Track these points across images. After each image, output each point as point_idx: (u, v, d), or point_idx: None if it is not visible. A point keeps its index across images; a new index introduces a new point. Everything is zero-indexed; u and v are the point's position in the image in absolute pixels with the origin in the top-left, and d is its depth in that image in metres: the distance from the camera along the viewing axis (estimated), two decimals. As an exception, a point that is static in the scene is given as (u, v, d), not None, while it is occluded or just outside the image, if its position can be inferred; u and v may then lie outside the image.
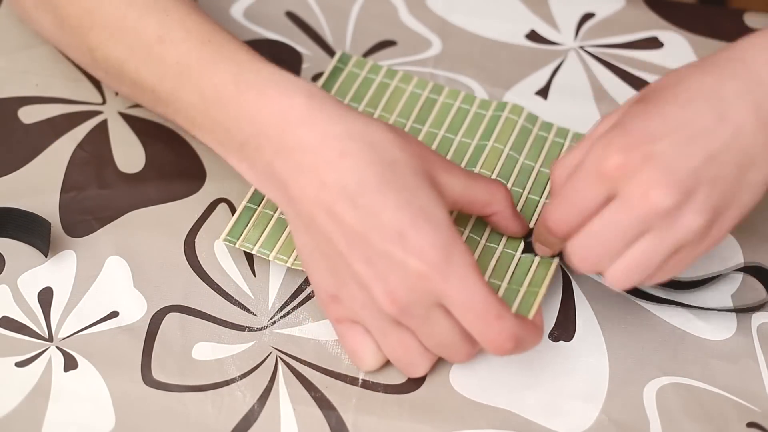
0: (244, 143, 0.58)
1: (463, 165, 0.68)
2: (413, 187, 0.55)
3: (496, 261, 0.63)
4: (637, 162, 0.53)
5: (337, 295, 0.58)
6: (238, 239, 0.64)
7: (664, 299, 0.64)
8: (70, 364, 0.61)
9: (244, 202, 0.65)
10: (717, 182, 0.53)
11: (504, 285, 0.62)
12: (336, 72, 0.72)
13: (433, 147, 0.69)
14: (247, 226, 0.65)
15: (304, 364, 0.62)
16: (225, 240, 0.64)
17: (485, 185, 0.61)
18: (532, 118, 0.70)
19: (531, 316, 0.60)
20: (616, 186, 0.53)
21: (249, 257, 0.66)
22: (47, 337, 0.62)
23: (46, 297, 0.64)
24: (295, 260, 0.63)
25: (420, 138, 0.69)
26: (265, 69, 0.59)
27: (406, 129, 0.70)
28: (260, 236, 0.64)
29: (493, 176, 0.67)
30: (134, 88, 0.64)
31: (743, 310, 0.64)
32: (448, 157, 0.68)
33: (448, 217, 0.55)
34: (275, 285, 0.65)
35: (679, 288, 0.64)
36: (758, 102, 0.54)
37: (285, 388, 0.61)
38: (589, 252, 0.55)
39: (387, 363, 0.61)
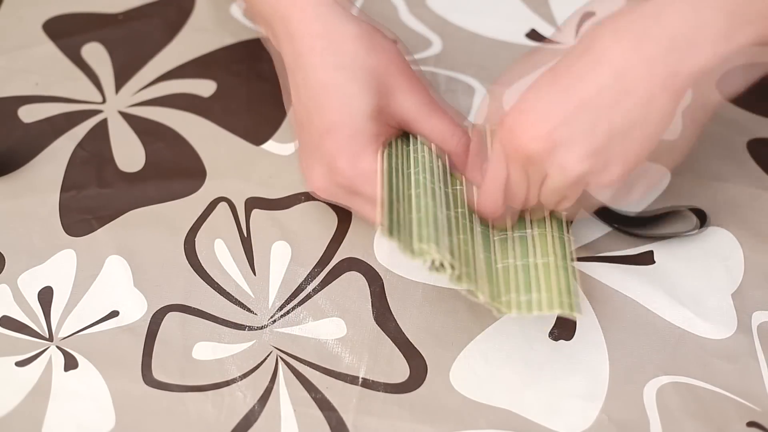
0: (263, 18, 0.67)
1: None
2: (350, 94, 0.62)
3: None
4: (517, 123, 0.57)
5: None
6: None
7: (634, 233, 0.67)
8: (71, 363, 0.61)
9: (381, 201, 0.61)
10: (598, 125, 0.56)
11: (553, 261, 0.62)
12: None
13: None
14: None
15: (305, 364, 0.62)
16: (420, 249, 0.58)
17: (437, 123, 0.64)
18: None
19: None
20: (508, 152, 0.58)
21: (249, 256, 0.66)
22: (47, 336, 0.62)
23: (46, 296, 0.64)
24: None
25: None
26: None
27: None
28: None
29: None
30: None
31: (678, 235, 0.66)
32: None
33: (372, 128, 0.62)
34: (275, 284, 0.65)
35: (634, 224, 0.67)
36: (635, 41, 0.55)
37: (285, 389, 0.61)
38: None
39: (385, 364, 0.61)
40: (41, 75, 0.74)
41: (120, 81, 0.74)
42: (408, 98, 0.63)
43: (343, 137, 0.62)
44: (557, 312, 0.58)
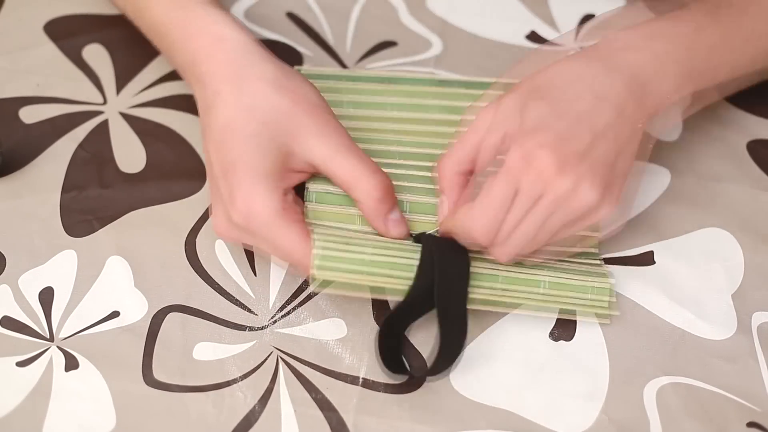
0: (177, 69, 0.68)
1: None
2: (250, 134, 0.60)
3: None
4: (534, 153, 0.58)
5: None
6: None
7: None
8: (71, 363, 0.61)
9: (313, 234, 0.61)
10: (602, 158, 0.59)
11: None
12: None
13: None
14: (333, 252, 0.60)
15: (305, 364, 0.62)
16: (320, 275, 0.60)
17: (350, 168, 0.61)
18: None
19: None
20: (520, 179, 0.58)
21: (250, 256, 0.66)
22: (48, 336, 0.62)
23: (46, 297, 0.64)
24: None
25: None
26: (194, 7, 0.65)
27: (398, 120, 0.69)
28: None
29: None
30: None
31: None
32: None
33: (270, 168, 0.60)
34: (276, 284, 0.65)
35: None
36: (626, 80, 0.60)
37: (286, 389, 0.61)
38: (512, 246, 0.59)
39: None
40: (42, 76, 0.74)
41: (121, 82, 0.74)
42: (316, 140, 0.61)
43: (240, 176, 0.60)
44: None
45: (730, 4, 0.64)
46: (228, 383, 0.61)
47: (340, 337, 0.63)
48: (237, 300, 0.64)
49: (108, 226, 0.67)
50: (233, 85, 0.62)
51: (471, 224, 0.59)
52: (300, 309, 0.64)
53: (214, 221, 0.62)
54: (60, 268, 0.65)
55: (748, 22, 0.64)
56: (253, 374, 0.61)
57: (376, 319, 0.63)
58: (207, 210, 0.68)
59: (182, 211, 0.68)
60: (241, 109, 0.61)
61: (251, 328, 0.63)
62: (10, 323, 0.63)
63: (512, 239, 0.59)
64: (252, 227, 0.60)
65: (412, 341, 0.63)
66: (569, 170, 0.57)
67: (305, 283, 0.65)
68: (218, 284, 0.65)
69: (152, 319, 0.63)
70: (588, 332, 0.63)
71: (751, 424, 0.60)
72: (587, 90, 0.60)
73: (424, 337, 0.63)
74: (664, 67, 0.61)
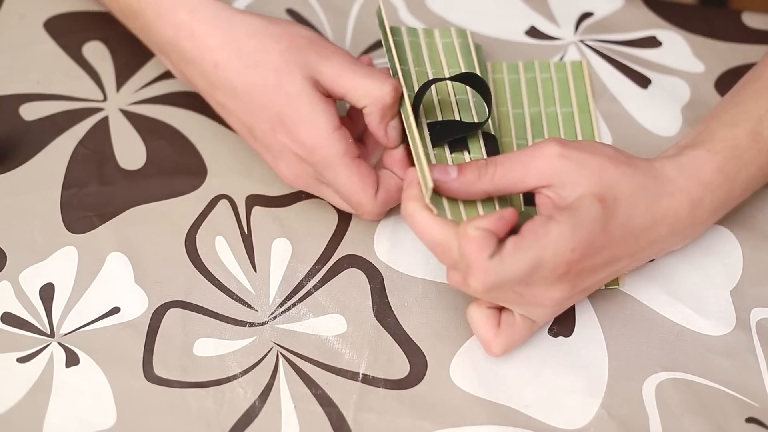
0: (158, 51, 0.67)
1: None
2: (274, 85, 0.62)
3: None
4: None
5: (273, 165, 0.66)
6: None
7: None
8: (72, 359, 0.61)
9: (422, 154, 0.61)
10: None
11: None
12: (384, 33, 0.68)
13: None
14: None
15: (305, 360, 0.62)
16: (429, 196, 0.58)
17: (360, 78, 0.63)
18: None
19: None
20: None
21: (250, 252, 0.66)
22: (49, 333, 0.63)
23: (47, 293, 0.64)
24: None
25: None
26: None
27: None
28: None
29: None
30: None
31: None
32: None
33: (311, 103, 0.62)
34: (276, 280, 0.65)
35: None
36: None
37: (286, 385, 0.61)
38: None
39: (385, 360, 0.62)
40: (43, 73, 0.74)
41: (121, 79, 0.74)
42: (326, 64, 0.62)
43: (294, 120, 0.62)
44: None
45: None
46: (228, 379, 0.61)
47: (340, 333, 0.63)
48: (237, 296, 0.64)
49: (108, 222, 0.67)
50: (229, 50, 0.62)
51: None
52: (300, 305, 0.64)
53: (280, 175, 0.65)
54: (60, 264, 0.65)
55: None
56: (254, 370, 0.61)
57: (376, 316, 0.64)
58: (207, 206, 0.68)
59: (182, 208, 0.68)
60: (251, 68, 0.62)
61: (251, 324, 0.63)
62: (10, 319, 0.63)
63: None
64: (319, 168, 0.62)
65: (411, 335, 0.63)
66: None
67: (305, 279, 0.65)
68: (218, 280, 0.65)
69: (152, 315, 0.63)
70: (587, 328, 0.63)
71: (750, 420, 0.60)
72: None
73: (423, 333, 0.63)
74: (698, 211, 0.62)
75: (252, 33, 0.63)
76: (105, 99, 0.73)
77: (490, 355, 0.61)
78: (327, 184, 0.64)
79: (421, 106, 0.65)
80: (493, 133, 0.66)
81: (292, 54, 0.62)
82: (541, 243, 0.56)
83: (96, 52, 0.75)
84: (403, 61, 0.68)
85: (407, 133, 0.64)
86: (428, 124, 0.65)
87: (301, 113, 0.62)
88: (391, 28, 0.69)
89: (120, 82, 0.74)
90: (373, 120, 0.63)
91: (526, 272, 0.56)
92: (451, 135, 0.64)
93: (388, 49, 0.66)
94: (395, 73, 0.65)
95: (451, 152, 0.64)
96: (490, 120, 0.65)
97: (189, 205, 0.68)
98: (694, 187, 0.60)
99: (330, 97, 0.63)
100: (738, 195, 0.63)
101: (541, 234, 0.56)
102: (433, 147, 0.64)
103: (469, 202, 0.61)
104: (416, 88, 0.65)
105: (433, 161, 0.63)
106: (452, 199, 0.61)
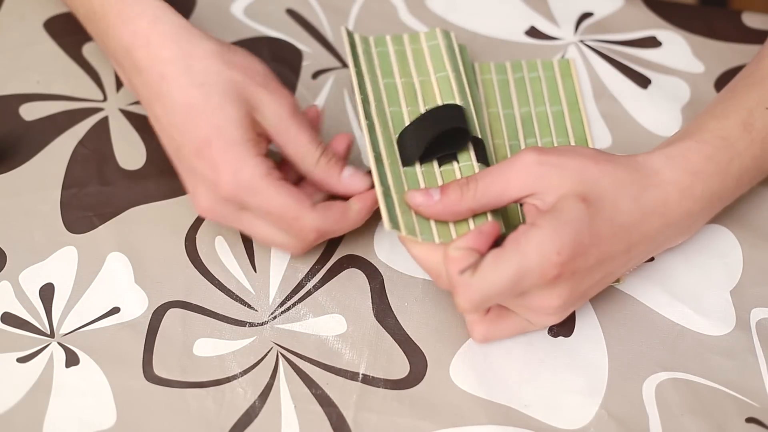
0: (112, 57, 0.66)
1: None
2: (215, 108, 0.60)
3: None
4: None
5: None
6: (399, 227, 0.60)
7: None
8: (72, 359, 0.62)
9: (378, 190, 0.61)
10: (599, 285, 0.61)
11: None
12: (356, 57, 0.69)
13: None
14: (396, 211, 0.61)
15: (305, 360, 0.62)
16: (392, 228, 0.59)
17: (294, 138, 0.62)
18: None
19: None
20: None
21: (250, 252, 0.66)
22: (49, 333, 0.63)
23: (47, 293, 0.64)
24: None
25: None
26: None
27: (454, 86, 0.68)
28: (413, 221, 0.61)
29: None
30: None
31: None
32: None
33: (243, 135, 0.60)
34: (276, 280, 0.65)
35: None
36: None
37: (286, 385, 0.61)
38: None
39: (385, 360, 0.62)
40: (42, 73, 0.74)
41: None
42: (269, 110, 0.62)
43: (219, 150, 0.60)
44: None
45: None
46: (228, 379, 0.61)
47: (340, 333, 0.63)
48: (237, 296, 0.64)
49: (108, 222, 0.67)
50: (180, 66, 0.61)
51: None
52: (300, 305, 0.64)
53: (196, 202, 0.62)
54: (60, 264, 0.65)
55: None
56: (253, 370, 0.61)
57: (376, 316, 0.64)
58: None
59: (182, 208, 0.68)
60: (197, 87, 0.61)
61: (251, 324, 0.63)
62: (10, 319, 0.63)
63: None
64: (242, 195, 0.60)
65: (411, 336, 0.63)
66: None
67: (305, 279, 0.65)
68: (218, 280, 0.65)
69: (152, 315, 0.63)
70: (587, 328, 0.63)
71: (750, 420, 0.60)
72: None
73: (423, 333, 0.63)
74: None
75: (207, 55, 0.62)
76: (105, 99, 0.73)
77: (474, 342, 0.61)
78: (254, 210, 0.61)
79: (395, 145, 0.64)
80: (480, 136, 0.65)
81: (243, 85, 0.61)
82: (522, 250, 0.55)
83: (96, 52, 0.75)
84: (375, 89, 0.67)
85: (373, 166, 0.62)
86: (398, 141, 0.64)
87: (227, 141, 0.60)
88: (376, 39, 0.70)
89: (120, 82, 0.74)
90: (319, 178, 0.63)
91: (510, 283, 0.55)
92: (440, 151, 0.64)
93: (359, 80, 0.66)
94: (365, 100, 0.65)
95: (440, 165, 0.64)
96: (477, 123, 0.65)
97: (189, 205, 0.68)
98: (682, 176, 0.60)
99: (262, 135, 0.62)
100: (732, 186, 0.62)
101: (523, 242, 0.56)
102: (404, 166, 0.63)
103: (460, 221, 0.61)
104: (390, 121, 0.65)
105: (406, 188, 0.62)
106: (442, 222, 0.61)
